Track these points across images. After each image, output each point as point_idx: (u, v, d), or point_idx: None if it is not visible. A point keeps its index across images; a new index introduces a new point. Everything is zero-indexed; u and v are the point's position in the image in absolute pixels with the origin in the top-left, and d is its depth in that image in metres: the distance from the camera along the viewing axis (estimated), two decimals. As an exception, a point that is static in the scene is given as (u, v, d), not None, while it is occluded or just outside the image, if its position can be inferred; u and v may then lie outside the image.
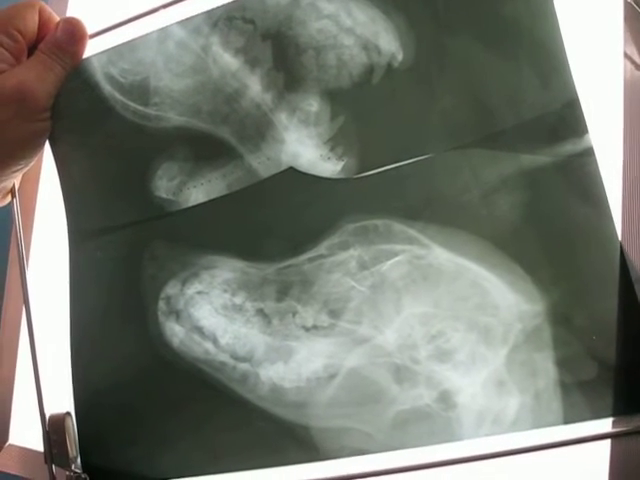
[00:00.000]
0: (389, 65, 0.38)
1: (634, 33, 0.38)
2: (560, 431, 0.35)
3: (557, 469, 0.35)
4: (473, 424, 0.36)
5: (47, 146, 0.43)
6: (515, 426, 0.35)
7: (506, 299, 0.36)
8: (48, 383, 0.42)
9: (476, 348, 0.36)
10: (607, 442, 0.35)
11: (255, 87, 0.40)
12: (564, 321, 0.35)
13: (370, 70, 0.38)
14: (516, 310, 0.36)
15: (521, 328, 0.36)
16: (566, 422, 0.34)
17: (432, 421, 0.36)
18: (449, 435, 0.36)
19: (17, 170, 0.41)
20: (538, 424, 0.35)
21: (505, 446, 0.35)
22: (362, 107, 0.39)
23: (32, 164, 0.43)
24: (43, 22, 0.42)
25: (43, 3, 0.42)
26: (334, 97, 0.39)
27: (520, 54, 0.37)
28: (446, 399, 0.36)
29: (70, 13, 0.47)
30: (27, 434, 0.44)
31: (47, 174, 0.46)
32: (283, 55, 0.39)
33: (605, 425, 0.35)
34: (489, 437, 0.35)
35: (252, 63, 0.40)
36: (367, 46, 0.38)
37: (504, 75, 0.37)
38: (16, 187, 0.44)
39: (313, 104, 0.39)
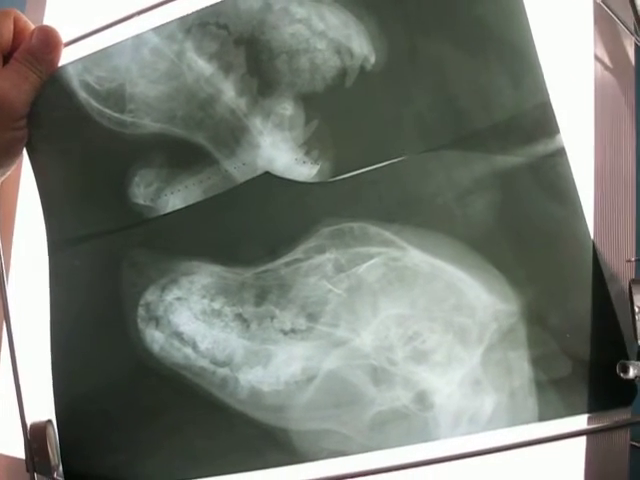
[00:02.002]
0: (362, 68, 0.38)
1: (604, 34, 0.38)
2: (536, 429, 0.35)
3: (534, 466, 0.36)
4: (450, 424, 0.36)
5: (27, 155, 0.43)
6: (491, 424, 0.35)
7: (481, 299, 0.37)
8: (30, 391, 0.42)
9: (452, 348, 0.37)
10: (583, 439, 0.35)
11: (229, 92, 0.40)
12: (538, 320, 0.36)
13: (343, 73, 0.39)
14: (491, 310, 0.36)
15: (496, 328, 0.36)
16: (541, 419, 0.35)
17: (409, 422, 0.36)
18: (426, 435, 0.36)
19: (-7, 179, 0.42)
20: (514, 422, 0.35)
21: (482, 444, 0.35)
22: (336, 110, 0.39)
23: (9, 173, 0.42)
24: (18, 31, 0.42)
25: (18, 12, 0.42)
26: (308, 101, 0.39)
27: (492, 56, 0.37)
28: (423, 399, 0.36)
29: (47, 22, 0.47)
30: (12, 442, 0.44)
31: (27, 182, 0.46)
32: (257, 60, 0.40)
33: (581, 422, 0.35)
34: (466, 436, 0.35)
35: (226, 68, 0.40)
36: (340, 49, 0.39)
37: (476, 77, 0.37)
38: (-7, 196, 0.44)
39: (287, 108, 0.39)
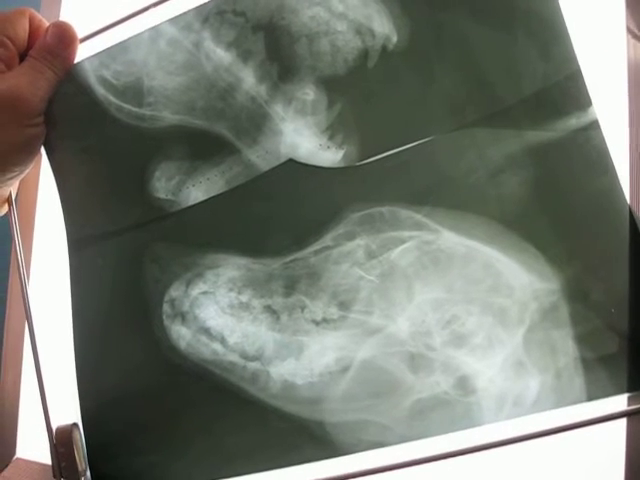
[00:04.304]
0: (384, 48, 0.37)
1: (635, 3, 0.37)
2: (575, 411, 0.33)
3: (574, 447, 0.34)
4: (494, 408, 0.34)
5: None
6: (537, 406, 0.34)
7: (520, 279, 0.35)
8: (55, 394, 0.41)
9: (492, 330, 0.35)
10: (623, 420, 0.34)
11: (249, 80, 0.39)
12: (580, 296, 0.34)
13: (365, 54, 0.38)
14: (530, 289, 0.35)
15: (537, 307, 0.35)
16: (589, 399, 0.33)
17: (451, 408, 0.35)
18: (469, 421, 0.35)
19: (12, 177, 0.41)
20: (561, 403, 0.34)
21: (518, 431, 0.34)
22: (359, 92, 0.38)
23: (27, 171, 0.42)
24: (33, 29, 0.41)
25: (33, 10, 0.42)
26: (330, 84, 0.38)
27: (518, 27, 0.36)
28: (464, 384, 0.35)
29: (63, 19, 0.47)
30: (35, 447, 0.43)
31: (46, 181, 0.45)
32: (276, 45, 0.39)
33: (622, 402, 0.34)
34: (511, 420, 0.34)
35: (245, 56, 0.39)
36: (360, 30, 0.38)
37: (503, 50, 0.36)
38: (13, 195, 0.43)
39: (309, 93, 0.38)
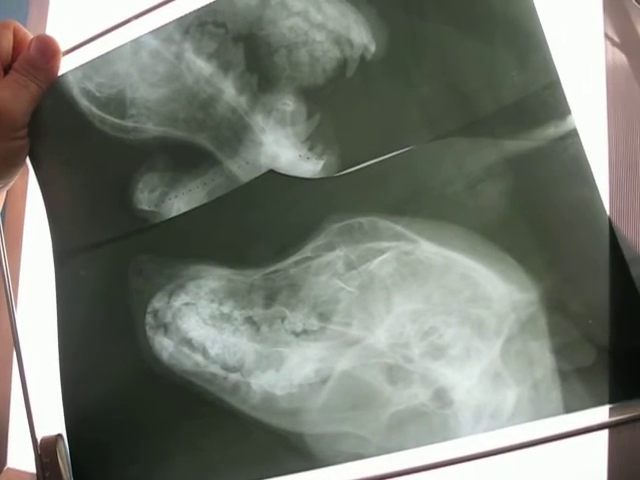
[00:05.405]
0: (362, 58, 0.37)
1: (614, 12, 0.37)
2: (558, 423, 0.33)
3: (556, 460, 0.34)
4: (471, 420, 0.34)
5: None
6: (514, 419, 0.33)
7: (498, 290, 0.35)
8: (41, 405, 0.41)
9: (470, 342, 0.35)
10: (605, 431, 0.33)
11: (230, 91, 0.39)
12: (559, 308, 0.34)
13: (343, 64, 0.38)
14: (509, 300, 0.35)
15: (515, 318, 0.35)
16: (567, 411, 0.33)
17: (429, 420, 0.35)
18: (447, 433, 0.34)
19: (-3, 189, 0.41)
20: (538, 415, 0.33)
21: (499, 443, 0.34)
22: (338, 102, 0.38)
23: (12, 184, 0.42)
24: (18, 42, 0.42)
25: (17, 23, 0.42)
26: (309, 95, 0.38)
27: (496, 37, 0.36)
28: (442, 396, 0.35)
29: (49, 32, 0.47)
30: (25, 457, 0.43)
31: (34, 193, 0.46)
32: (255, 56, 0.39)
33: (603, 414, 0.33)
34: (488, 433, 0.34)
35: (225, 67, 0.39)
36: (339, 40, 0.38)
37: (481, 60, 0.36)
38: (-1, 207, 0.43)
39: (289, 103, 0.38)
